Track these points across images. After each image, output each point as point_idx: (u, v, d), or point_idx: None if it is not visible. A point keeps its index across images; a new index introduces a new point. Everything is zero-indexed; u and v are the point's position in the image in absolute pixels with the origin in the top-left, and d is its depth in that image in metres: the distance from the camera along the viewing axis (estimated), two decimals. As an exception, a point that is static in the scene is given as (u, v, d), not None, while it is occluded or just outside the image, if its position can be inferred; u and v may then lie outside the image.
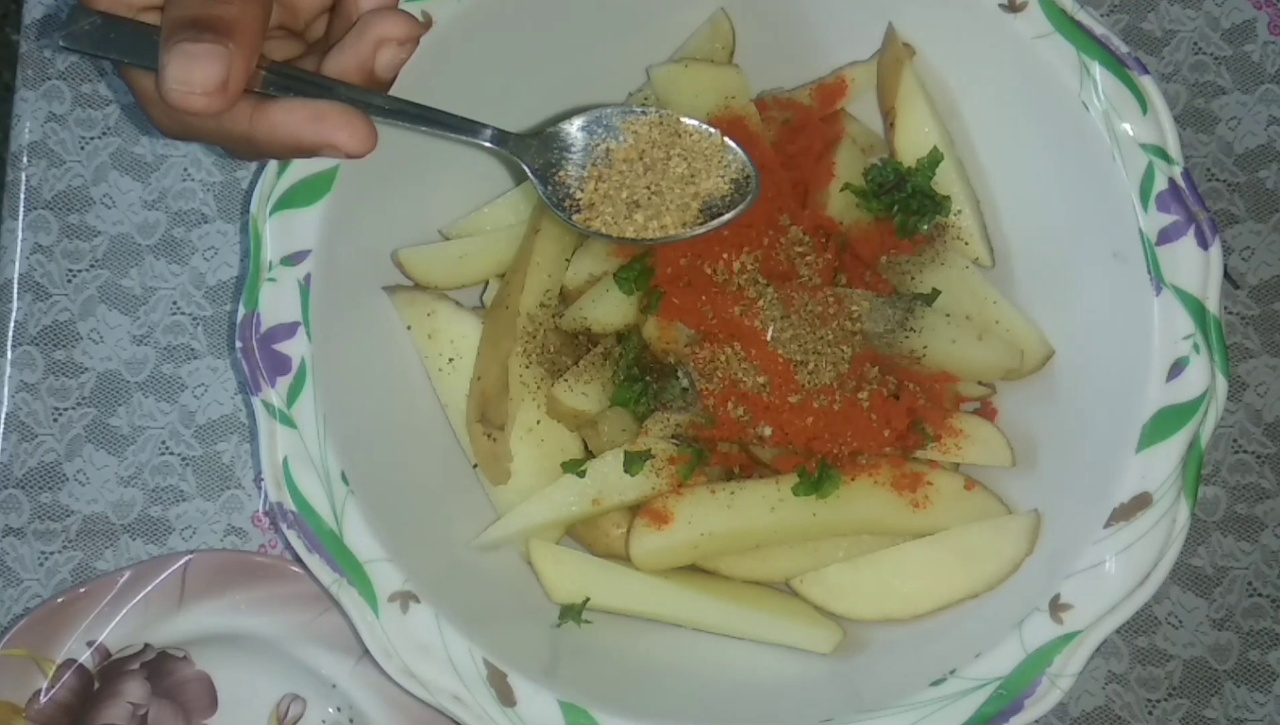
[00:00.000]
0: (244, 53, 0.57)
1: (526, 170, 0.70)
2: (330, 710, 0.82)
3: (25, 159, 0.92)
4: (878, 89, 0.86)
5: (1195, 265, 0.72)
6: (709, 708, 0.74)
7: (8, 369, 0.89)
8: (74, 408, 0.89)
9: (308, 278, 0.72)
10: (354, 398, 0.74)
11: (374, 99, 0.64)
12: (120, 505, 0.88)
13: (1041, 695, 0.68)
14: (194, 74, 0.56)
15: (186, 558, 0.83)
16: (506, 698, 0.69)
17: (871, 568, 0.77)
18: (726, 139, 0.72)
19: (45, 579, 0.87)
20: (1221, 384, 0.71)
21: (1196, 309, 0.72)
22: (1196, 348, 0.71)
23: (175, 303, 0.91)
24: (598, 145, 0.71)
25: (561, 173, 0.71)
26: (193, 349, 0.90)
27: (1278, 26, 0.94)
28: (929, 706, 0.68)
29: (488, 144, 0.69)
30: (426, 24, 0.73)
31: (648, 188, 0.71)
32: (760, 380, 0.76)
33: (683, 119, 0.72)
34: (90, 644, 0.82)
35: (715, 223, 0.71)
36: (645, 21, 0.84)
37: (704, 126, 0.72)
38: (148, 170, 0.93)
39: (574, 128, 0.71)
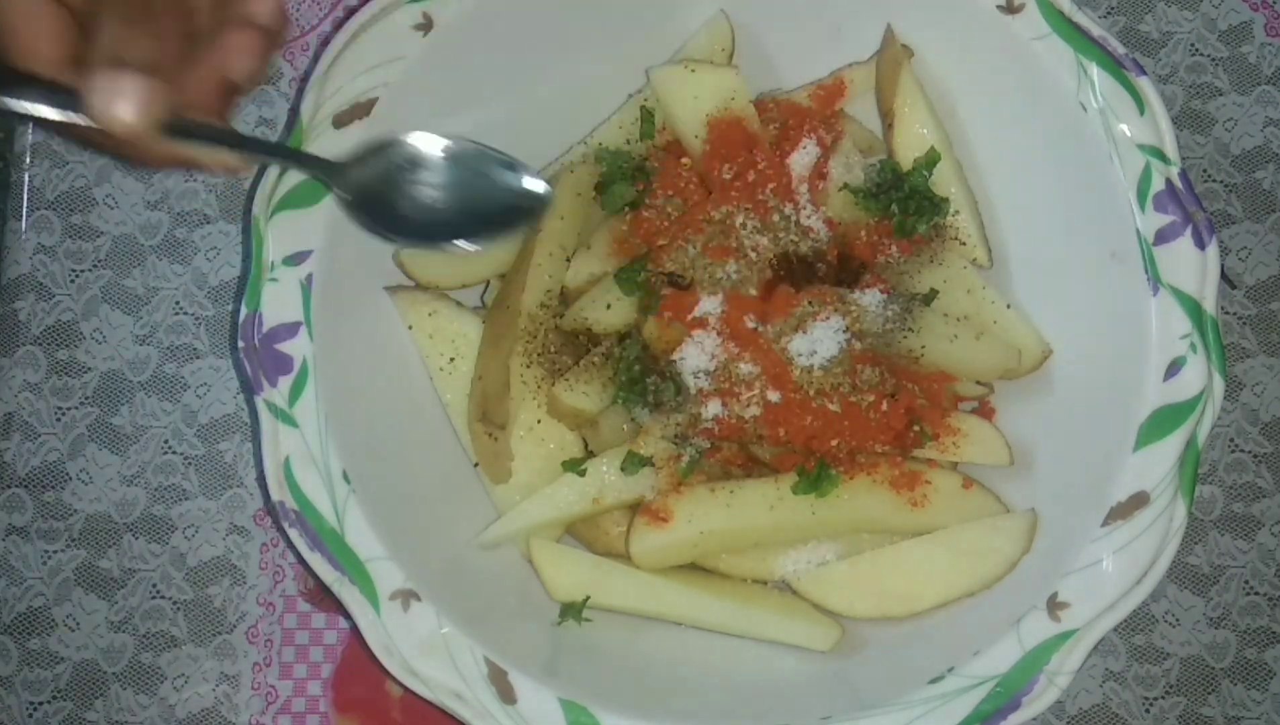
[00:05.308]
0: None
1: (339, 201, 0.71)
2: None
3: (28, 159, 0.93)
4: (876, 90, 0.86)
5: (1192, 265, 0.72)
6: (708, 705, 0.74)
7: (11, 368, 0.90)
8: (77, 407, 0.90)
9: (309, 278, 0.73)
10: (356, 397, 0.75)
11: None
12: (123, 504, 0.88)
13: (1039, 693, 0.68)
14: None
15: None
16: (507, 695, 0.69)
17: (870, 566, 0.78)
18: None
19: (48, 578, 0.87)
20: (1218, 383, 0.71)
21: (1193, 309, 0.72)
22: (1194, 347, 0.71)
23: (178, 303, 0.91)
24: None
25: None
26: (195, 349, 0.91)
27: (1274, 28, 0.94)
28: (927, 704, 0.68)
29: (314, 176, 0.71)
30: (279, 34, 0.66)
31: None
32: (760, 380, 0.77)
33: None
34: None
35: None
36: (645, 23, 0.84)
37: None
38: (150, 171, 0.93)
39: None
